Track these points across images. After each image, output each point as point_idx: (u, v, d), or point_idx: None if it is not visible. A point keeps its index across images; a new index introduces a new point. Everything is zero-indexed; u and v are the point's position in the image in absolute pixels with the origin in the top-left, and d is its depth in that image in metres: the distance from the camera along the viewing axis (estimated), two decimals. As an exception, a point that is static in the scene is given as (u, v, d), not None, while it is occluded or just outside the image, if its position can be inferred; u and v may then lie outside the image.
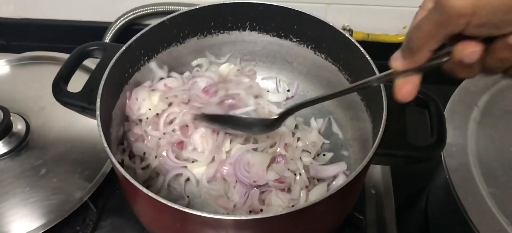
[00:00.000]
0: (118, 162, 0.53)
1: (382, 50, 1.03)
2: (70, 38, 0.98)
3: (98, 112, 0.57)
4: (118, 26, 1.01)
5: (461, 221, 0.63)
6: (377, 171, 0.81)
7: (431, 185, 0.83)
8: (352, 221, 0.71)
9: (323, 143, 0.74)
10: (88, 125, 0.76)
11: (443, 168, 0.67)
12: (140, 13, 1.00)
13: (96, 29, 1.03)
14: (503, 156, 0.68)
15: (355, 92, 0.66)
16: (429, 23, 0.35)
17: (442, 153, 0.68)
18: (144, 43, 0.68)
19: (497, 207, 0.62)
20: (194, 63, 0.79)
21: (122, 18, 1.01)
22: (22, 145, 0.75)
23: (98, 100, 0.58)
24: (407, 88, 0.40)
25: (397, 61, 0.41)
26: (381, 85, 0.59)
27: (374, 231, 0.74)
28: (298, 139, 0.73)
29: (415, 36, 0.37)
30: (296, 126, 0.75)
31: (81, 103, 0.62)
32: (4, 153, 0.74)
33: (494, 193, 0.64)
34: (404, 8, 0.97)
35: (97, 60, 0.68)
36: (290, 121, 0.74)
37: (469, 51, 0.35)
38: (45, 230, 0.66)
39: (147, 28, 0.67)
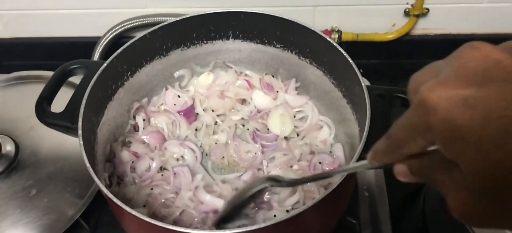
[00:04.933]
0: (105, 183, 0.52)
1: (372, 49, 1.03)
2: (60, 55, 0.98)
3: (80, 131, 0.57)
4: (107, 40, 1.01)
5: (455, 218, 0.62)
6: (370, 174, 0.80)
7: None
8: (345, 225, 0.70)
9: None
10: (77, 143, 0.76)
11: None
12: (128, 26, 0.99)
13: (86, 45, 1.03)
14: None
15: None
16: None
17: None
18: (126, 58, 0.68)
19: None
20: (177, 74, 0.78)
21: (110, 32, 1.01)
22: (12, 166, 0.75)
23: (80, 119, 0.58)
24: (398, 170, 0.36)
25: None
26: (365, 90, 0.58)
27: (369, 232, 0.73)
28: (303, 137, 0.74)
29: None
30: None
31: (64, 123, 0.62)
32: (-6, 175, 0.74)
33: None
34: (392, 6, 0.96)
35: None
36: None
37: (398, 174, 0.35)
38: (37, 251, 0.66)
39: (128, 43, 0.67)
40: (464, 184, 0.28)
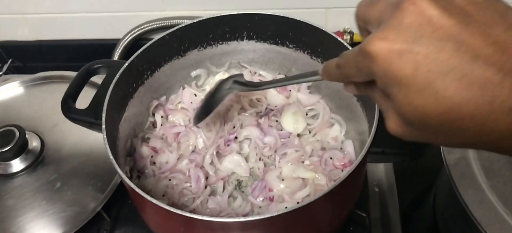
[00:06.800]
0: (127, 174, 0.55)
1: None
2: (81, 57, 1.02)
3: (103, 126, 0.60)
4: (126, 42, 1.05)
5: (464, 215, 0.64)
6: (380, 170, 0.82)
7: (438, 182, 0.83)
8: (355, 219, 0.72)
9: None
10: (99, 139, 0.79)
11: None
12: (146, 29, 1.03)
13: (105, 46, 1.08)
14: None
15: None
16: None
17: (441, 148, 0.69)
18: (146, 58, 0.71)
19: (498, 200, 0.63)
20: (193, 74, 0.81)
21: (129, 35, 1.05)
22: (38, 161, 0.79)
23: (103, 115, 0.61)
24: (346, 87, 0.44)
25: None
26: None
27: (379, 229, 0.75)
28: (315, 134, 0.76)
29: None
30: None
31: (88, 118, 0.66)
32: (21, 169, 0.78)
33: (494, 186, 0.64)
34: (403, 7, 0.98)
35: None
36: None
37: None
38: (61, 240, 0.70)
39: (148, 43, 0.70)
40: (397, 113, 0.34)
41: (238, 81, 0.66)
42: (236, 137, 0.75)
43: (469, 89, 0.29)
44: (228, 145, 0.74)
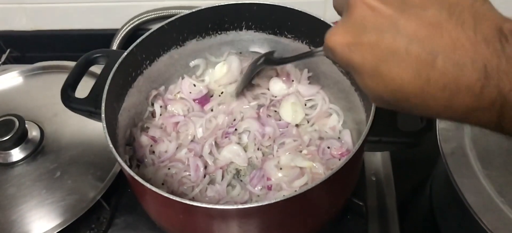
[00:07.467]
0: (126, 163, 0.56)
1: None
2: (80, 46, 1.02)
3: (103, 115, 0.61)
4: (125, 32, 1.05)
5: (460, 203, 0.65)
6: (378, 159, 0.83)
7: (434, 171, 0.84)
8: (353, 208, 0.73)
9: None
10: (98, 129, 0.79)
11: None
12: (144, 19, 1.03)
13: (104, 36, 1.07)
14: (498, 137, 0.68)
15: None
16: None
17: (438, 138, 0.69)
18: (145, 48, 0.72)
19: (493, 189, 0.63)
20: (192, 64, 0.82)
21: (128, 25, 1.05)
22: (38, 150, 0.80)
23: (103, 104, 0.61)
24: None
25: None
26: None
27: (376, 218, 0.76)
28: (313, 124, 0.77)
29: None
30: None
31: (88, 108, 0.66)
32: (21, 158, 0.78)
33: (490, 175, 0.65)
34: (401, -3, 0.98)
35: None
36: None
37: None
38: (62, 228, 0.71)
39: (147, 33, 0.71)
40: None
41: (268, 59, 0.69)
42: (235, 129, 0.75)
43: (408, 71, 0.33)
44: (227, 138, 0.74)
